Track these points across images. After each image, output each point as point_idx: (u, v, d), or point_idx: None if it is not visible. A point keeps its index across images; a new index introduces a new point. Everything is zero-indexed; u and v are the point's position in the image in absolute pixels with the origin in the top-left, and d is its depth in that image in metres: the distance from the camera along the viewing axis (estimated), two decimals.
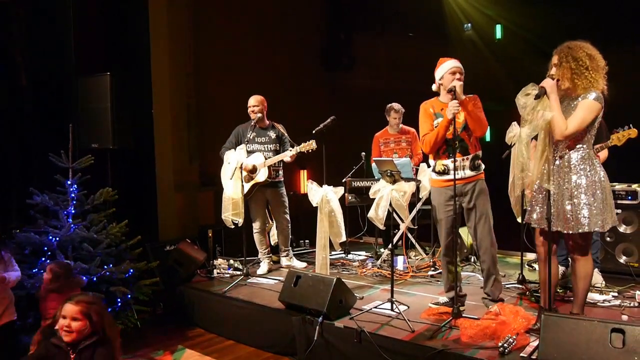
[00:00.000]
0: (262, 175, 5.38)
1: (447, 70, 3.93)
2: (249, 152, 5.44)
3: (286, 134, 5.56)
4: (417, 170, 5.52)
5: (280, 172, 5.60)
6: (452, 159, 3.77)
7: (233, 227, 5.30)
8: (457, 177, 3.81)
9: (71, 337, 2.48)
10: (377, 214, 4.14)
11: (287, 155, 5.30)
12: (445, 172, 3.97)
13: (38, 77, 5.86)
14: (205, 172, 6.88)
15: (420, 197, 5.42)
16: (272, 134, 5.55)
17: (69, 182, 4.62)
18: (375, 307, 4.23)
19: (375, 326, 3.87)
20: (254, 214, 5.61)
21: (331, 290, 4.02)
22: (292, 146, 5.38)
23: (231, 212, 5.14)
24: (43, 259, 4.36)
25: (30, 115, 6.38)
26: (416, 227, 5.65)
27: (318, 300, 4.05)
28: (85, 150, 5.08)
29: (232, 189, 5.17)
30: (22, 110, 6.43)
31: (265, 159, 5.38)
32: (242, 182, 5.16)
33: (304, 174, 9.07)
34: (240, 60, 7.43)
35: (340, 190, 4.65)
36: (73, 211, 4.59)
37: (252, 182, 5.41)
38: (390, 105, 6.11)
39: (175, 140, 6.54)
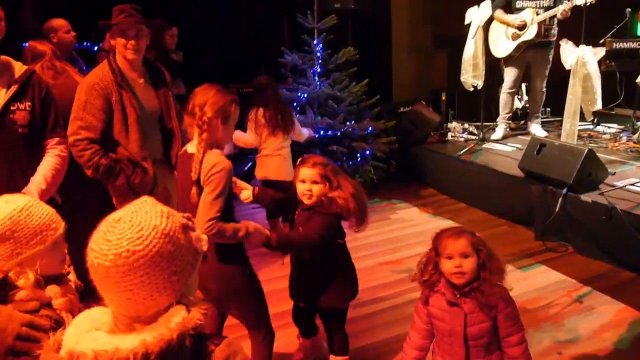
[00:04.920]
0: (530, 33, 4.87)
1: None
2: (518, 10, 4.96)
3: None
4: None
5: (553, 32, 4.97)
6: None
7: (472, 89, 5.06)
8: None
9: (312, 202, 2.27)
10: None
11: (559, 10, 4.66)
12: None
13: None
14: (439, 34, 6.60)
15: None
16: None
17: (314, 42, 4.83)
18: (631, 185, 3.80)
19: (630, 205, 3.51)
20: (509, 72, 5.20)
21: (581, 162, 3.70)
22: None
23: (471, 74, 4.90)
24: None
25: None
26: None
27: (564, 171, 3.79)
28: (327, 11, 5.19)
29: (473, 49, 4.87)
30: None
31: (537, 15, 4.87)
32: (482, 41, 4.82)
33: None
34: None
35: (601, 51, 4.06)
36: (319, 70, 4.85)
37: (519, 40, 4.95)
38: None
39: (411, 1, 6.32)
